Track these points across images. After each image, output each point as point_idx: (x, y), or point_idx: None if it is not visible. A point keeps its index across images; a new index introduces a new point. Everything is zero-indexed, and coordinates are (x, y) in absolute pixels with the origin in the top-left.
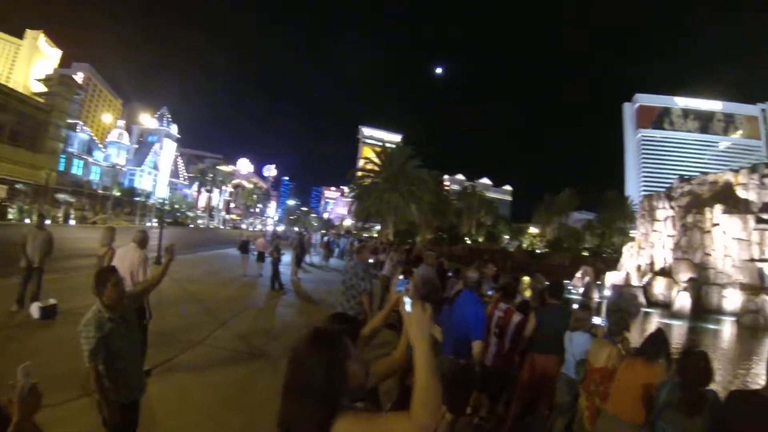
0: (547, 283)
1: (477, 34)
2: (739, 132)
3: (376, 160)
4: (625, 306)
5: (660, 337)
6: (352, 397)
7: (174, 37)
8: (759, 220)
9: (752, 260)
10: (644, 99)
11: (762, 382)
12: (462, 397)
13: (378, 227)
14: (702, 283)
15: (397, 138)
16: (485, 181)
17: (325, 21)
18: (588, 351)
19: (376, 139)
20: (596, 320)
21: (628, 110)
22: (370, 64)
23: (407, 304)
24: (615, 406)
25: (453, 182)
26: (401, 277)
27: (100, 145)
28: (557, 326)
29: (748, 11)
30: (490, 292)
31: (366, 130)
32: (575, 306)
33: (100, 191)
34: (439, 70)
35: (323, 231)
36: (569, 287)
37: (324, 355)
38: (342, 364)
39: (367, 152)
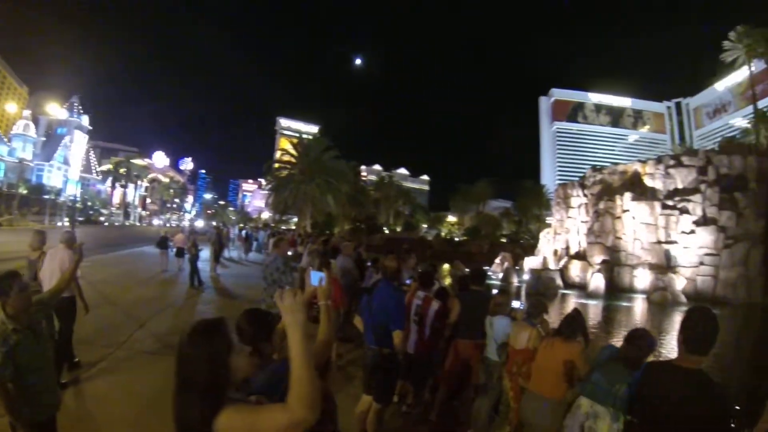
0: (467, 269)
1: (395, 25)
2: (647, 127)
3: (293, 151)
4: (542, 290)
5: (576, 317)
6: (267, 391)
7: (86, 21)
8: (664, 206)
9: (659, 242)
10: (560, 94)
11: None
12: (388, 386)
13: (295, 219)
14: (614, 265)
15: (314, 129)
16: (402, 171)
17: (242, 10)
18: (509, 334)
19: (294, 131)
20: (515, 304)
21: (544, 104)
22: (288, 55)
23: (313, 276)
24: (537, 383)
25: (370, 173)
26: (311, 269)
27: (4, 138)
28: (480, 312)
29: (657, 18)
30: (408, 282)
31: (284, 122)
32: (495, 291)
33: (4, 189)
34: (357, 61)
35: (241, 224)
36: (489, 273)
37: (203, 349)
38: (222, 357)
39: (285, 144)
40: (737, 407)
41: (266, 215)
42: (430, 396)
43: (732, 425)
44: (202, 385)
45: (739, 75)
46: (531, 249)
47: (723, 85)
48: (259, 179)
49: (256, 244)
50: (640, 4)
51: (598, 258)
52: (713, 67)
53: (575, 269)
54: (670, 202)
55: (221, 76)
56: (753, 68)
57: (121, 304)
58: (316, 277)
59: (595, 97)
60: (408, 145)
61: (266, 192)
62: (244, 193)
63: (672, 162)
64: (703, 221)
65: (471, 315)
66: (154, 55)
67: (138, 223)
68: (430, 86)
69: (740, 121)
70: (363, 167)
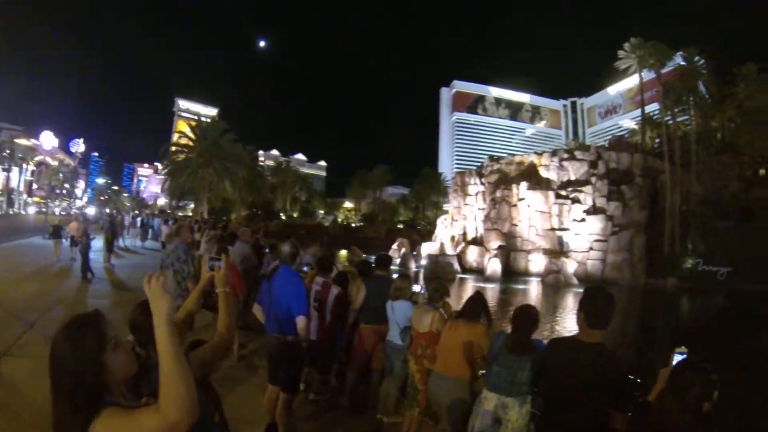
0: (364, 255)
1: (298, 9)
2: (544, 122)
3: (191, 134)
4: (440, 274)
5: (478, 299)
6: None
7: None
8: (558, 196)
9: (552, 229)
10: (461, 86)
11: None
12: (293, 375)
13: (192, 205)
14: (510, 250)
15: (213, 112)
16: (300, 156)
17: None
18: (411, 318)
19: (192, 113)
20: (416, 288)
21: (446, 94)
22: (188, 33)
23: (208, 263)
24: (443, 365)
25: (268, 158)
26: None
27: None
28: (383, 296)
29: (560, 22)
30: (305, 269)
31: (182, 103)
32: (395, 276)
33: None
34: (261, 44)
35: (136, 211)
36: None
37: (72, 347)
38: (92, 355)
39: (183, 126)
40: (633, 377)
41: (162, 201)
42: (336, 382)
43: (634, 393)
44: (73, 387)
45: (630, 81)
46: (428, 235)
47: (615, 89)
48: (155, 163)
49: (152, 231)
50: (545, 9)
51: (494, 243)
52: (607, 72)
53: (472, 254)
54: (563, 192)
55: (117, 50)
56: (643, 77)
57: (6, 303)
58: (212, 264)
59: (495, 91)
60: (306, 130)
61: (163, 177)
62: (140, 178)
63: (566, 155)
64: (593, 210)
65: (374, 300)
66: (43, 19)
67: (23, 212)
68: (331, 71)
69: (628, 122)
70: (261, 152)
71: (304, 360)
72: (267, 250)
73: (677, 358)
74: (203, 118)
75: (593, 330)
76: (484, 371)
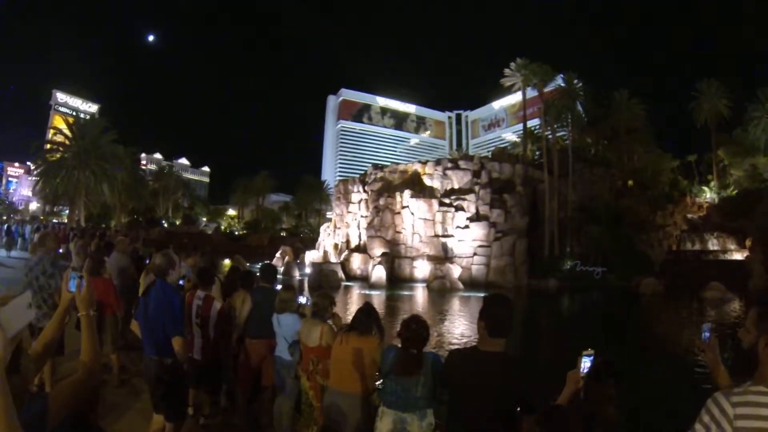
0: (248, 264)
1: (187, 9)
2: (428, 132)
3: (68, 131)
4: (324, 283)
5: (369, 310)
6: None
7: None
8: (441, 204)
9: (436, 236)
10: (349, 94)
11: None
12: (178, 400)
13: (68, 211)
14: (394, 257)
15: (94, 108)
16: (183, 161)
17: None
18: (299, 331)
19: (71, 108)
20: (301, 299)
21: (332, 102)
22: (71, 18)
23: (71, 280)
24: (337, 380)
25: (150, 161)
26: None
27: None
28: (270, 308)
29: (449, 38)
30: (181, 282)
31: (60, 96)
32: (278, 287)
33: None
34: (150, 38)
35: (4, 217)
36: None
37: None
38: None
39: (59, 122)
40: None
41: (35, 206)
42: (227, 402)
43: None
44: None
45: (513, 98)
46: (311, 243)
47: (499, 104)
48: (27, 162)
49: (21, 240)
50: (436, 25)
51: (378, 251)
52: (492, 87)
53: (356, 262)
54: (447, 200)
55: None
56: (527, 94)
57: None
58: (73, 282)
59: (382, 101)
60: (190, 134)
61: (35, 178)
62: (9, 179)
63: (450, 165)
64: (476, 218)
65: (261, 313)
66: None
67: None
68: (217, 74)
69: (510, 135)
70: (143, 155)
71: (188, 382)
72: (148, 261)
73: (585, 361)
74: (82, 115)
75: (495, 338)
76: (380, 385)
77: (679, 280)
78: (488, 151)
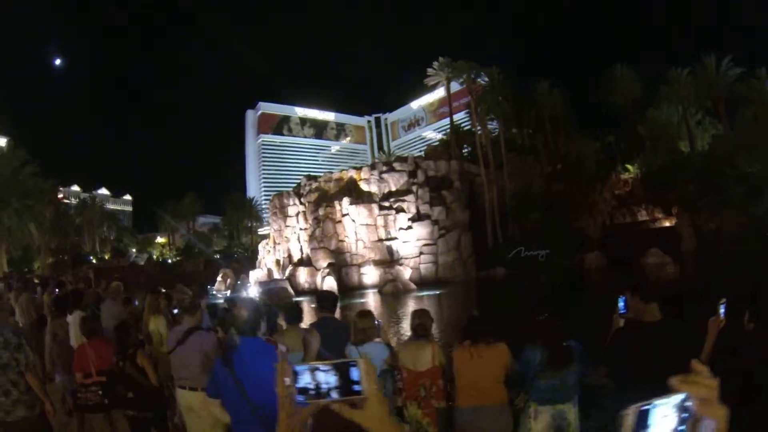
0: (191, 291)
1: (97, 29)
2: (348, 138)
3: None
4: (276, 300)
5: (482, 317)
6: None
7: None
8: (381, 208)
9: (380, 240)
10: (267, 107)
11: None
12: None
13: None
14: (341, 266)
15: (2, 141)
16: (103, 191)
17: None
18: (401, 358)
19: None
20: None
21: (251, 117)
22: None
23: None
24: (474, 396)
25: (68, 194)
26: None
27: None
28: (341, 342)
29: (362, 41)
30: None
31: None
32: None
33: None
34: (57, 62)
35: None
36: (213, 292)
37: None
38: None
39: None
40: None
41: None
42: None
43: None
44: None
45: (431, 96)
46: (247, 262)
47: (417, 103)
48: None
49: None
50: (347, 30)
51: (323, 262)
52: (409, 87)
53: (303, 275)
54: (386, 203)
55: None
56: (451, 90)
57: None
58: None
59: (300, 111)
60: (107, 162)
61: None
62: None
63: (384, 168)
64: (417, 217)
65: (333, 347)
66: None
67: None
68: (130, 97)
69: (431, 133)
70: (60, 188)
71: None
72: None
73: (721, 308)
74: None
75: (649, 305)
76: (521, 388)
77: (618, 251)
78: (409, 151)
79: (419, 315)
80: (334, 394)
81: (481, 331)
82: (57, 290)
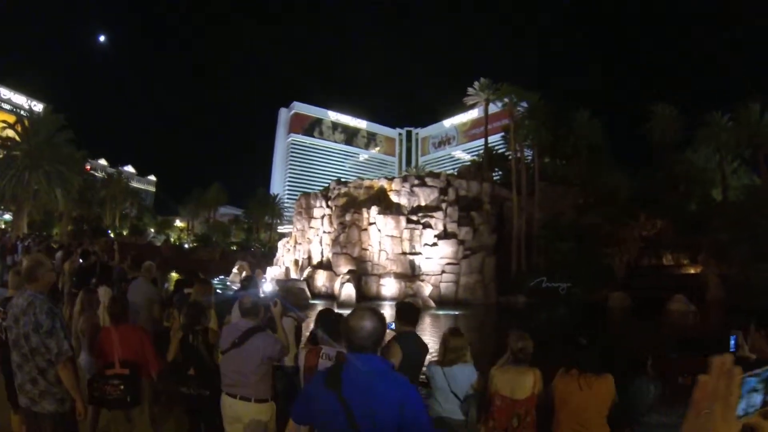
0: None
1: (141, 12)
2: (378, 148)
3: (16, 127)
4: (294, 300)
5: (611, 349)
6: None
7: None
8: (409, 221)
9: (404, 254)
10: (301, 107)
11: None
12: None
13: (7, 217)
14: (361, 274)
15: (39, 107)
16: (129, 169)
17: None
18: (496, 383)
19: (14, 105)
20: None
21: (284, 115)
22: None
23: None
24: (577, 430)
25: (95, 167)
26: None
27: None
28: (419, 361)
29: (398, 55)
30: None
31: (3, 91)
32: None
33: None
34: (101, 38)
35: None
36: (228, 283)
37: None
38: None
39: (4, 117)
40: None
41: None
42: None
43: None
44: None
45: (464, 116)
46: (263, 258)
47: (450, 122)
48: None
49: None
50: (385, 42)
51: (344, 268)
52: (443, 105)
53: (321, 279)
54: (414, 217)
55: None
56: (481, 113)
57: None
58: None
59: (333, 115)
60: (136, 141)
61: None
62: None
63: (416, 181)
64: (444, 235)
65: (411, 367)
66: None
67: None
68: (166, 81)
69: (460, 153)
70: (88, 161)
71: None
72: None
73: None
74: (23, 113)
75: None
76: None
77: (641, 293)
78: (438, 169)
79: (522, 338)
80: None
81: (592, 361)
82: (81, 260)
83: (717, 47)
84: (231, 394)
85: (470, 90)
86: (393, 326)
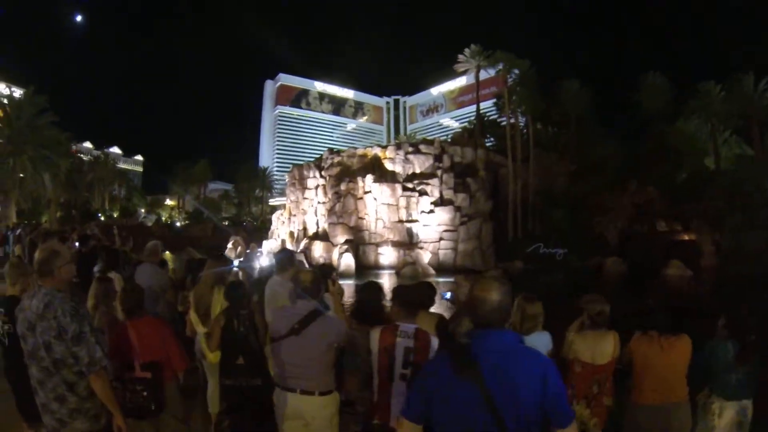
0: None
1: None
2: (366, 117)
3: None
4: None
5: (663, 307)
6: None
7: None
8: (405, 189)
9: (401, 221)
10: (287, 79)
11: None
12: None
13: None
14: (359, 244)
15: (19, 93)
16: (115, 150)
17: None
18: (577, 349)
19: None
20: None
21: (269, 87)
22: None
23: None
24: (662, 392)
25: (81, 150)
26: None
27: None
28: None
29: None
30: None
31: None
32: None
33: None
34: (78, 18)
35: None
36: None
37: None
38: None
39: None
40: None
41: None
42: None
43: None
44: None
45: (452, 84)
46: (256, 232)
47: (438, 90)
48: None
49: None
50: (372, 9)
51: (341, 238)
52: (430, 72)
53: (318, 250)
54: (409, 185)
55: None
56: (470, 80)
57: None
58: None
59: (320, 86)
60: (120, 121)
61: None
62: None
63: (411, 149)
64: (440, 202)
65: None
66: None
67: None
68: (147, 57)
69: (449, 120)
70: (73, 144)
71: None
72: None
73: None
74: (3, 99)
75: None
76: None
77: (636, 258)
78: (427, 136)
79: (598, 301)
80: None
81: (665, 321)
82: (78, 245)
83: (711, 17)
84: (289, 388)
85: (461, 57)
86: (447, 296)
